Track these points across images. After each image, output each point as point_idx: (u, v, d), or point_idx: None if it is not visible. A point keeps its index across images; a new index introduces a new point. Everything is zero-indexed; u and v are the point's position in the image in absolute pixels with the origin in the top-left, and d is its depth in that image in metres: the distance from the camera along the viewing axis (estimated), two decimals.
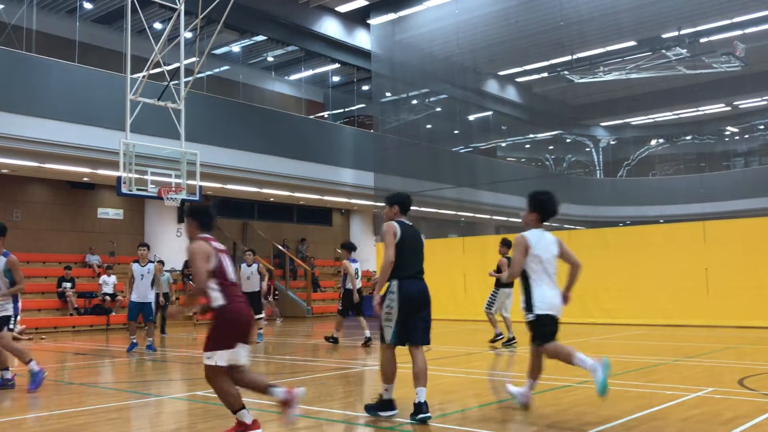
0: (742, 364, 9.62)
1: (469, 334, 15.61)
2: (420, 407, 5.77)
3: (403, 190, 6.76)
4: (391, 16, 25.38)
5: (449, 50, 25.87)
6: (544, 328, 5.87)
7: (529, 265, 5.98)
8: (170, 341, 14.94)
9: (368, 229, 30.78)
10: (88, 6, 21.68)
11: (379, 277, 6.14)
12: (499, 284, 12.28)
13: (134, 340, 12.70)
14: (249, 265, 13.92)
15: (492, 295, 12.46)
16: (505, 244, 11.99)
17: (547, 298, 5.91)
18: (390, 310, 5.95)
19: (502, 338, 12.33)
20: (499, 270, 12.08)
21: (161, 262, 17.24)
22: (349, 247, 13.53)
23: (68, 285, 19.05)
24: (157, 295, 16.30)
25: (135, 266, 12.87)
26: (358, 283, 13.14)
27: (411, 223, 6.26)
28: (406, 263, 6.03)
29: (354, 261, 13.26)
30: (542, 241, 6.05)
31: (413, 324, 5.99)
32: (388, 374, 6.08)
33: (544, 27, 23.96)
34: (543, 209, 6.11)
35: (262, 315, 13.65)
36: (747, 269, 16.08)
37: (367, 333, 12.57)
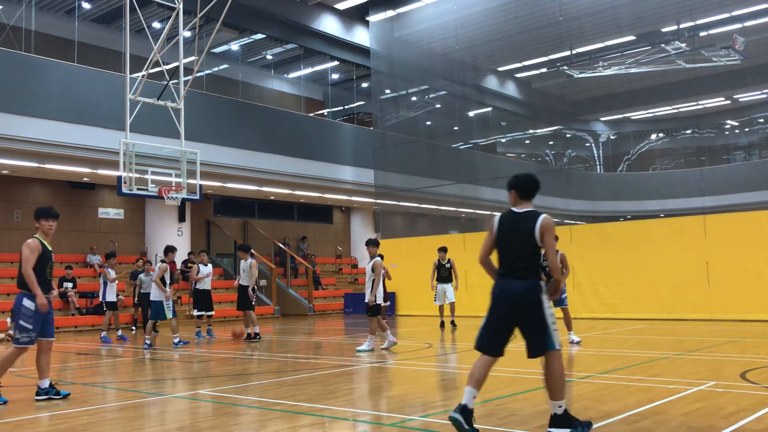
0: (744, 358, 9.63)
1: (472, 330, 15.61)
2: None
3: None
4: (390, 13, 25.37)
5: (448, 47, 25.85)
6: None
7: None
8: (170, 340, 14.94)
9: (369, 227, 30.77)
10: (86, 6, 21.67)
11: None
12: None
13: (148, 340, 13.14)
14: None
15: None
16: None
17: None
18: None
19: None
20: None
21: (149, 262, 17.39)
22: (247, 249, 14.83)
23: (70, 285, 19.07)
24: (146, 294, 16.53)
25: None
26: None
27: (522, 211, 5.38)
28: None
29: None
30: None
31: None
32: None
33: (543, 22, 23.95)
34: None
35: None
36: (748, 263, 16.09)
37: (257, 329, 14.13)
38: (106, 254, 16.26)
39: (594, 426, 5.39)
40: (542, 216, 5.29)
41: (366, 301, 11.73)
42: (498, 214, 5.46)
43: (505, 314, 5.19)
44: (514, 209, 5.43)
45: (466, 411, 5.02)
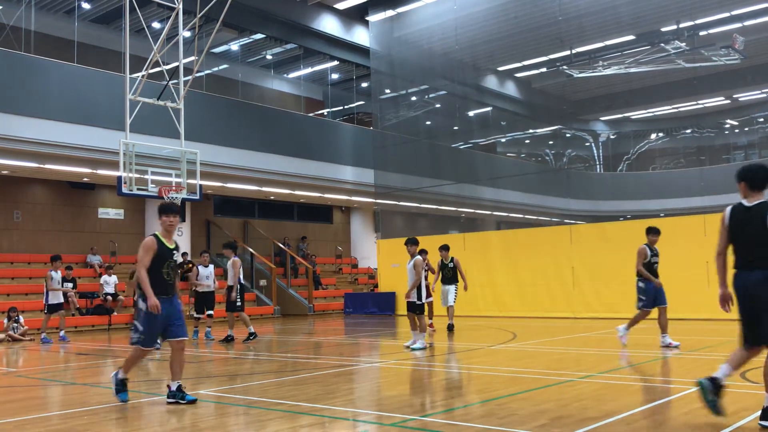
0: None
1: (472, 330, 15.62)
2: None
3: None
4: (390, 12, 25.38)
5: (448, 46, 25.86)
6: None
7: None
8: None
9: (369, 227, 30.76)
10: (86, 6, 21.67)
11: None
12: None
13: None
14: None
15: None
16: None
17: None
18: None
19: None
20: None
21: None
22: (233, 246, 14.53)
23: (70, 285, 19.04)
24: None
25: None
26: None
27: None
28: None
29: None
30: None
31: None
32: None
33: (543, 22, 23.96)
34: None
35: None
36: None
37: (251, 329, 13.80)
38: (51, 257, 15.64)
39: (594, 426, 5.40)
40: None
41: (407, 299, 11.84)
42: (729, 207, 5.53)
43: (750, 305, 5.33)
44: (744, 202, 5.44)
45: (715, 382, 5.40)
